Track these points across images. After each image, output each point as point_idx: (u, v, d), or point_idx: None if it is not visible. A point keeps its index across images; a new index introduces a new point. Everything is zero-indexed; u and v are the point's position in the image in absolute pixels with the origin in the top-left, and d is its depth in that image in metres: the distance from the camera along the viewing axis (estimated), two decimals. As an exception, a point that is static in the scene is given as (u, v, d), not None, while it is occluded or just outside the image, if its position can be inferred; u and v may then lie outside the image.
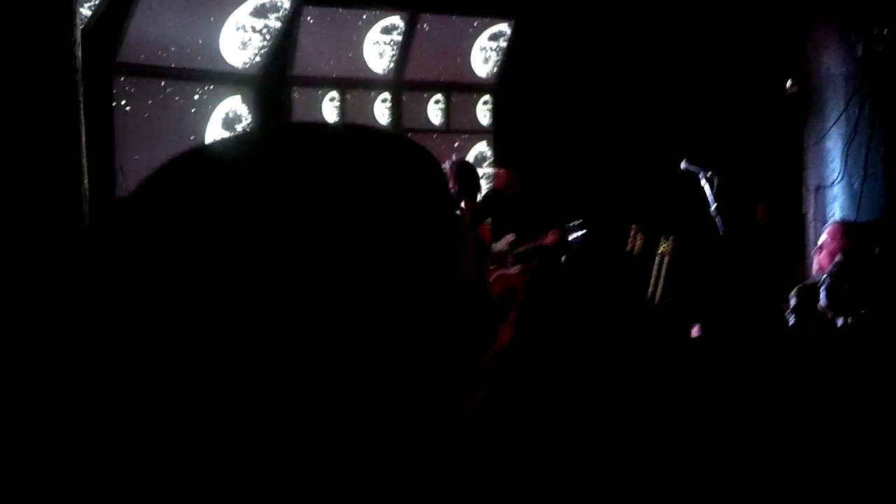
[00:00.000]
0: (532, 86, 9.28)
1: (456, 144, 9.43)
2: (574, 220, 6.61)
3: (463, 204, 4.84)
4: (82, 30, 7.00)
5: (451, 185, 4.58)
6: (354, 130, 0.94)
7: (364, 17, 8.72)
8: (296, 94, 8.77)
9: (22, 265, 3.57)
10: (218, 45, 8.09)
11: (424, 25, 8.97)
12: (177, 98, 8.07)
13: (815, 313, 3.67)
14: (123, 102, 7.74)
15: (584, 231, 6.48)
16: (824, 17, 6.93)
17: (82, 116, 3.98)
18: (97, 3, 7.13)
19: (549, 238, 6.18)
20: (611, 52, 8.99)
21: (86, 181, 4.17)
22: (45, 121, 3.69)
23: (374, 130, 0.98)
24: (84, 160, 4.08)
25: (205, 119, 8.26)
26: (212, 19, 7.92)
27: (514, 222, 6.87)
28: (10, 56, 3.63)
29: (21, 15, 3.66)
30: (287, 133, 0.97)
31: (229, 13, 7.99)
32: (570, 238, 6.49)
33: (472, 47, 9.33)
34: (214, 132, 8.29)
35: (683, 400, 2.13)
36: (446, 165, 4.91)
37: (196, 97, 8.18)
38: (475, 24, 9.22)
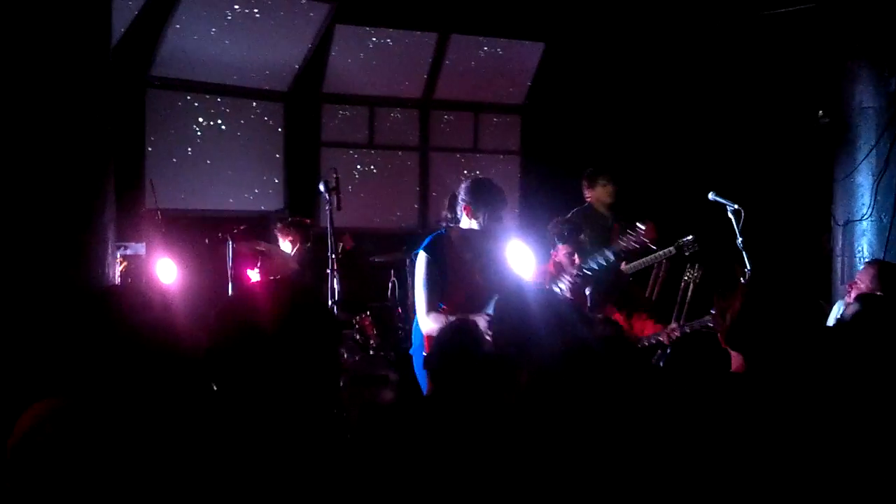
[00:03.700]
0: (560, 108, 9.27)
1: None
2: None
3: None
4: (115, 45, 7.11)
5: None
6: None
7: (395, 36, 8.76)
8: (331, 111, 8.84)
9: (40, 279, 3.62)
10: (250, 61, 8.16)
11: (456, 46, 9.00)
12: (211, 112, 8.15)
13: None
14: (155, 116, 7.83)
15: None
16: (858, 50, 6.88)
17: (111, 135, 4.03)
18: (132, 16, 7.21)
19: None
20: (641, 77, 8.96)
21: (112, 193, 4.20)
22: (74, 134, 3.75)
23: None
24: (111, 175, 4.12)
25: (237, 133, 8.33)
26: (245, 35, 7.98)
27: None
28: (44, 70, 3.69)
29: (57, 34, 3.72)
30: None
31: (262, 29, 8.05)
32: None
33: (511, 69, 9.35)
34: (247, 148, 8.36)
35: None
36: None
37: (228, 112, 8.26)
38: (508, 46, 9.23)
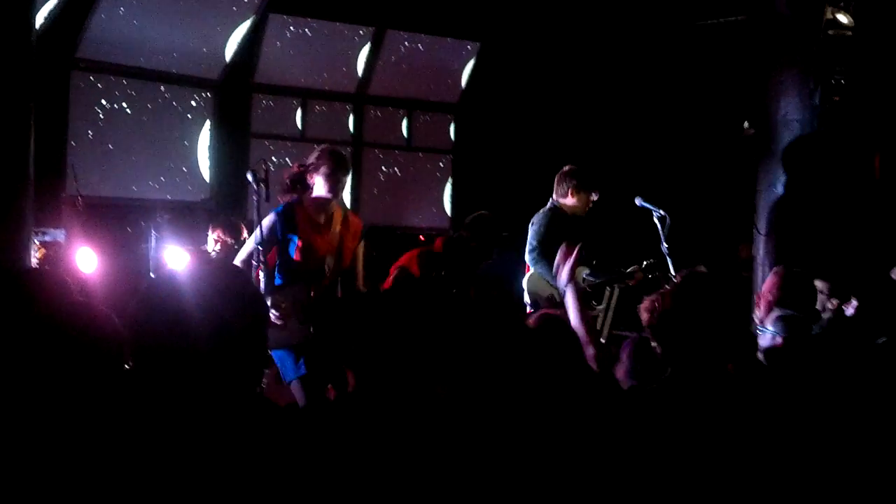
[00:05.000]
0: (493, 108, 9.30)
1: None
2: None
3: None
4: (41, 26, 6.91)
5: None
6: None
7: (330, 28, 8.69)
8: (262, 102, 8.72)
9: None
10: (180, 47, 8.00)
11: (394, 42, 8.97)
12: (137, 98, 7.97)
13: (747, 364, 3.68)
14: (94, 101, 7.62)
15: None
16: (785, 62, 7.02)
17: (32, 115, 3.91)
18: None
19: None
20: (574, 82, 9.04)
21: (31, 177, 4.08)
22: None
23: None
24: (31, 160, 4.01)
25: (176, 122, 8.17)
26: (176, 21, 7.82)
27: None
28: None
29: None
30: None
31: (193, 16, 7.90)
32: None
33: (445, 67, 9.35)
34: (173, 136, 8.19)
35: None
36: None
37: (155, 99, 8.08)
38: (444, 44, 9.23)
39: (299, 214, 4.95)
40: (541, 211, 6.17)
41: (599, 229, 6.51)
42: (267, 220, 4.93)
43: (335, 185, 4.97)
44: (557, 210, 6.14)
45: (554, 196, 6.20)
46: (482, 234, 6.21)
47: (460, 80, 9.45)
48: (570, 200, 6.14)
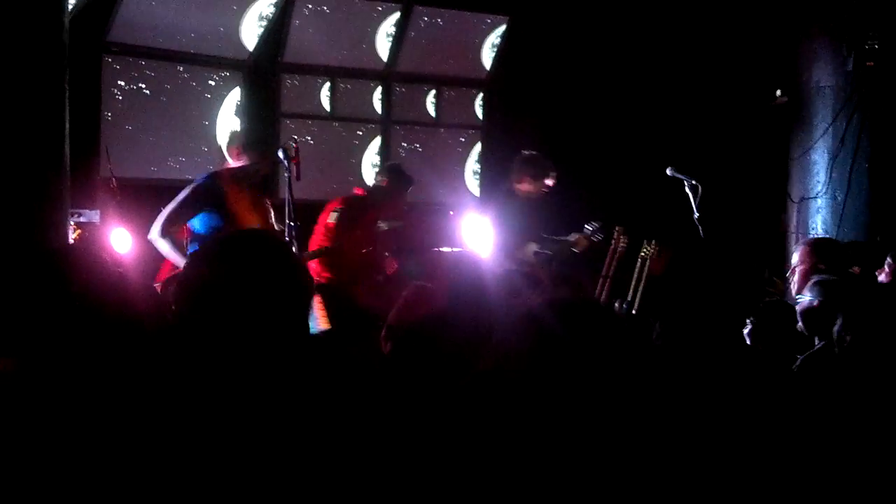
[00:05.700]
0: (523, 84, 9.26)
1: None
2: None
3: None
4: (73, 9, 6.98)
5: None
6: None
7: (357, 6, 8.68)
8: (290, 81, 8.74)
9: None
10: (209, 28, 8.04)
11: (419, 18, 8.93)
12: (168, 80, 8.03)
13: (782, 334, 3.66)
14: (112, 82, 7.70)
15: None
16: (817, 29, 6.95)
17: (67, 101, 3.96)
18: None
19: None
20: (603, 54, 8.97)
21: (67, 161, 4.15)
22: (29, 102, 3.69)
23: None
24: (67, 142, 4.07)
25: (195, 102, 8.22)
26: (207, 2, 7.87)
27: None
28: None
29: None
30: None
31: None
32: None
33: (468, 42, 9.31)
34: (205, 117, 8.25)
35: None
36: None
37: (185, 80, 8.14)
38: (470, 19, 9.18)
39: (226, 185, 5.07)
40: (494, 194, 6.66)
41: (633, 199, 6.67)
42: (197, 185, 5.02)
43: (254, 168, 5.12)
44: (512, 193, 6.50)
45: (510, 180, 6.54)
46: (396, 179, 6.51)
47: (488, 55, 9.40)
48: (524, 185, 6.47)
